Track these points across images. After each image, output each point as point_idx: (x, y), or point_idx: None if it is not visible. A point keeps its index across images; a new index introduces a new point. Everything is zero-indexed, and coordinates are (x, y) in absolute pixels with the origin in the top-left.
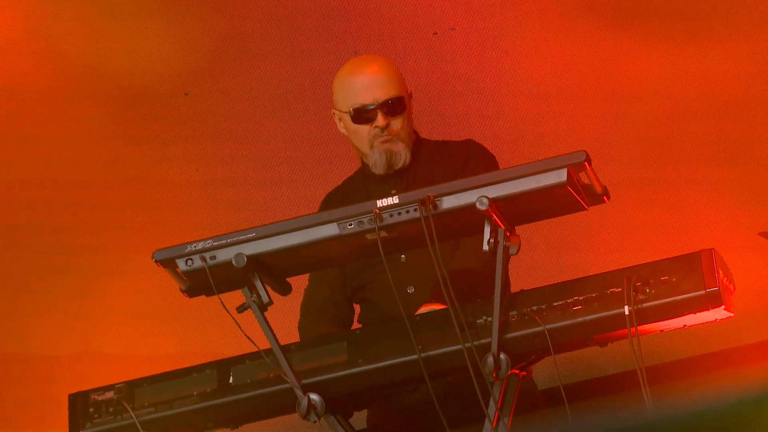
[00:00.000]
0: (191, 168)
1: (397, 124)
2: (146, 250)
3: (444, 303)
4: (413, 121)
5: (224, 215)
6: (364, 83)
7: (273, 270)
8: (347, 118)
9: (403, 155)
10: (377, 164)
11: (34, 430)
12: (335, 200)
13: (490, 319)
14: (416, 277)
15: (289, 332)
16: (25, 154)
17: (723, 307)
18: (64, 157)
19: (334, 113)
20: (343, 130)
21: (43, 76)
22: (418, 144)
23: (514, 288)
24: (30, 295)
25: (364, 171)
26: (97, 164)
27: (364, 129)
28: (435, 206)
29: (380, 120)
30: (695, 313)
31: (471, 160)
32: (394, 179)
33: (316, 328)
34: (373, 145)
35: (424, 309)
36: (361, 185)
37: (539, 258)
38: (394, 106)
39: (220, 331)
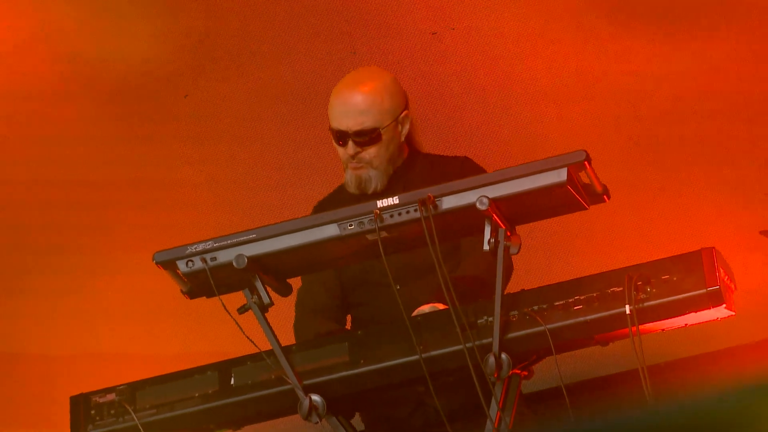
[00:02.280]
0: (192, 169)
1: (369, 153)
2: (146, 250)
3: (444, 303)
4: (400, 144)
5: (225, 217)
6: (341, 109)
7: (274, 271)
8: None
9: (374, 182)
10: (349, 185)
11: (34, 431)
12: (327, 208)
13: (491, 319)
14: (406, 277)
15: (290, 333)
16: (27, 154)
17: (724, 305)
18: (64, 157)
19: None
20: None
21: (43, 78)
22: (412, 158)
23: (515, 288)
24: (30, 295)
25: None
26: (98, 165)
27: (340, 150)
28: (435, 206)
29: (350, 148)
30: (696, 311)
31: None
32: (388, 193)
33: (313, 327)
34: (347, 167)
35: (424, 308)
36: (353, 196)
37: (539, 258)
38: (366, 138)
39: (220, 330)
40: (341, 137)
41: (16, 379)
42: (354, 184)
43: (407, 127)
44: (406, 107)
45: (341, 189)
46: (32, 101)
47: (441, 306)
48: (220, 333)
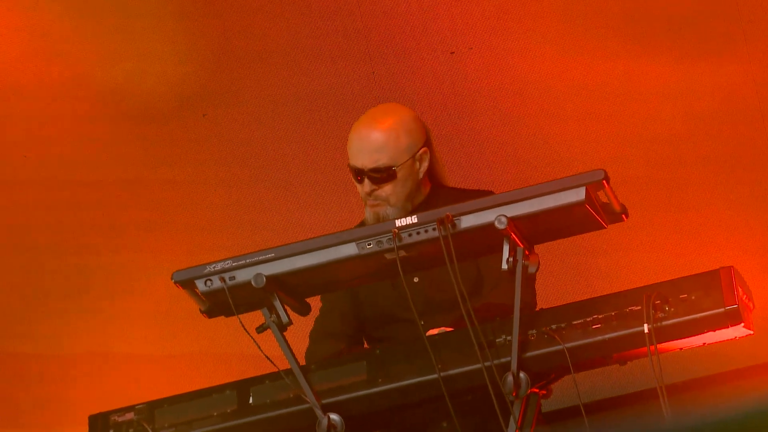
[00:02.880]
0: (210, 190)
1: (385, 190)
2: (163, 258)
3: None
4: (419, 181)
5: (245, 237)
6: (357, 146)
7: (292, 290)
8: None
9: (392, 218)
10: (368, 221)
11: (49, 430)
12: None
13: (509, 338)
14: (430, 312)
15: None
16: (50, 175)
17: (742, 324)
18: (83, 179)
19: None
20: None
21: (61, 99)
22: (435, 193)
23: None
24: (45, 296)
25: None
26: (116, 185)
27: (358, 186)
28: (454, 225)
29: (366, 186)
30: (715, 330)
31: None
32: None
33: (325, 352)
34: (365, 203)
35: (433, 332)
36: None
37: (558, 277)
38: (381, 175)
39: (234, 331)
40: (358, 174)
41: (32, 380)
42: (372, 220)
43: (426, 164)
44: (426, 144)
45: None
46: (48, 122)
47: (448, 329)
48: (233, 334)
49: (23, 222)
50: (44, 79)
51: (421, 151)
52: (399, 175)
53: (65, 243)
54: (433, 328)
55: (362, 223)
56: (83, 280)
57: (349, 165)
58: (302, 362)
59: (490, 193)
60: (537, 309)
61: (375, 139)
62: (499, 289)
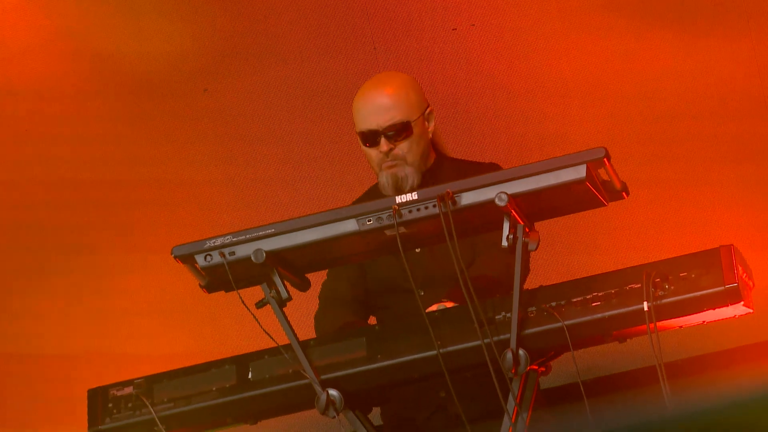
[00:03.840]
0: (212, 166)
1: (402, 148)
2: (163, 249)
3: (456, 302)
4: (429, 141)
5: (245, 214)
6: (369, 108)
7: (292, 266)
8: (359, 139)
9: (410, 178)
10: (385, 187)
11: (49, 429)
12: None
13: (508, 315)
14: (430, 284)
15: (308, 328)
16: (45, 154)
17: (742, 303)
18: (81, 156)
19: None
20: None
21: (61, 76)
22: (440, 162)
23: (532, 285)
24: (44, 294)
25: None
26: (115, 164)
27: (372, 152)
28: (454, 202)
29: (383, 145)
30: (714, 309)
31: None
32: None
33: (335, 319)
34: (381, 168)
35: (433, 308)
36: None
37: (558, 255)
38: (398, 132)
39: (237, 330)
40: (371, 137)
41: (35, 379)
42: (391, 184)
43: (433, 124)
44: (429, 105)
45: (374, 192)
46: (50, 100)
47: (449, 304)
48: (236, 333)
49: (25, 220)
50: (46, 55)
51: (429, 110)
52: (414, 130)
53: (69, 240)
54: (432, 299)
55: (371, 191)
56: (83, 279)
57: (360, 131)
58: (311, 324)
59: (494, 165)
60: (537, 286)
61: (387, 97)
62: (482, 257)
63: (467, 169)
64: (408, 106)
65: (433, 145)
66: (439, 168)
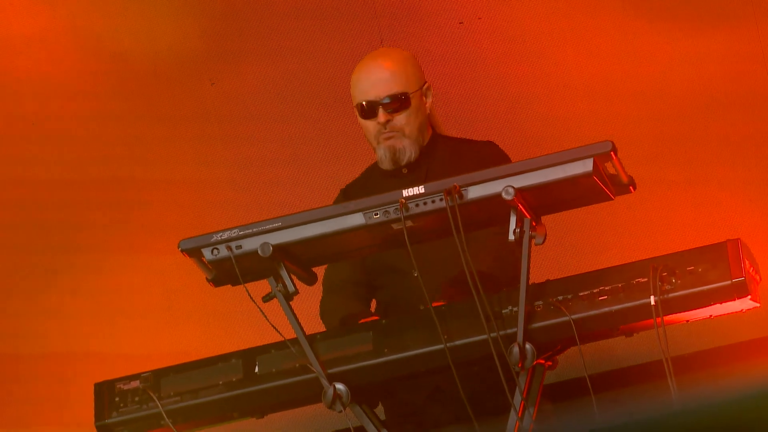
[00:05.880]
0: (218, 165)
1: (400, 120)
2: (167, 249)
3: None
4: (427, 116)
5: (252, 213)
6: (368, 80)
7: (299, 259)
8: (357, 113)
9: (408, 151)
10: (383, 160)
11: (52, 427)
12: (354, 193)
13: (515, 309)
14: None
15: (314, 321)
16: (46, 153)
17: (749, 297)
18: (81, 155)
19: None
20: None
21: (66, 74)
22: (435, 140)
23: (539, 278)
24: (46, 294)
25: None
26: (117, 163)
27: (369, 124)
28: (461, 196)
29: (381, 116)
30: (721, 303)
31: (489, 164)
32: (411, 177)
33: (340, 306)
34: (379, 141)
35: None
36: (380, 181)
37: (564, 248)
38: (396, 103)
39: (242, 327)
40: (370, 109)
41: (36, 378)
42: (388, 156)
43: (431, 100)
44: (427, 82)
45: (368, 173)
46: (54, 98)
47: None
48: (241, 331)
49: (27, 220)
50: (51, 44)
51: (426, 85)
52: (412, 102)
53: (70, 240)
54: (427, 280)
55: (367, 173)
56: (81, 279)
57: (358, 104)
58: (318, 318)
59: (490, 143)
60: (541, 281)
61: (385, 70)
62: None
63: (462, 147)
64: (406, 78)
65: (429, 122)
66: (434, 146)
